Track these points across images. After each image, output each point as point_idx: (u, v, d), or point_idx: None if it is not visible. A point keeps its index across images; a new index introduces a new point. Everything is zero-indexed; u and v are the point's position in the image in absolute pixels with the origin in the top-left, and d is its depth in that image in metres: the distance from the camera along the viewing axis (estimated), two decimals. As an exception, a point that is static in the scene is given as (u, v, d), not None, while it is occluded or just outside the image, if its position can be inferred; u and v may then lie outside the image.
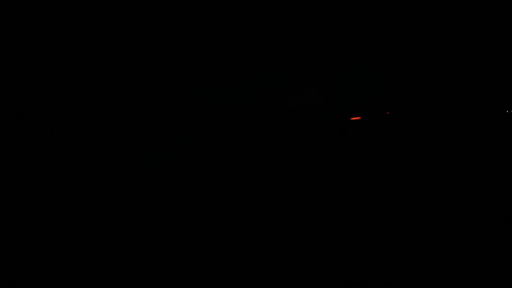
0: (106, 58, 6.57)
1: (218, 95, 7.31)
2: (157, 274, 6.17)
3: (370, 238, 7.24)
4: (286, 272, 5.79)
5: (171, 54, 6.73)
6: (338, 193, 10.25)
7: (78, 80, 6.63)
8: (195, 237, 6.57)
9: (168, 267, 6.04)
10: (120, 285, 5.60)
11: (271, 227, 7.72)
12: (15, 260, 5.52)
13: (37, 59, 6.40)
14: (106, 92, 7.03)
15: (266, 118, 8.52)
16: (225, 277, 5.87)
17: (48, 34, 6.23)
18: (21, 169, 8.34)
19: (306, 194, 9.89)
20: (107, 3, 5.89)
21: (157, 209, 7.33)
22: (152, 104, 7.50)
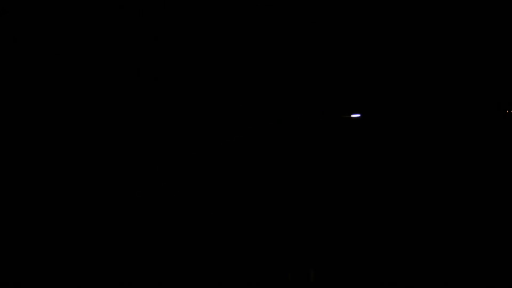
0: (106, 59, 6.55)
1: (218, 95, 7.27)
2: (157, 273, 6.08)
3: (369, 238, 7.24)
4: (286, 272, 5.75)
5: (171, 55, 6.72)
6: (338, 192, 10.13)
7: (78, 80, 6.61)
8: (195, 236, 6.53)
9: (168, 266, 5.99)
10: (119, 285, 5.54)
11: (272, 227, 7.69)
12: (15, 260, 5.49)
13: (37, 59, 6.38)
14: (106, 92, 7.01)
15: (266, 118, 8.47)
16: (224, 277, 5.81)
17: (49, 35, 6.22)
18: (21, 169, 8.32)
19: (306, 194, 9.78)
20: (107, 4, 5.88)
21: (157, 209, 7.30)
22: (152, 104, 7.46)
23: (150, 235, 6.54)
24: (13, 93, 6.18)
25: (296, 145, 9.33)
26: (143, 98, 6.77)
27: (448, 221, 7.60)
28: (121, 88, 6.53)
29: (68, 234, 6.55)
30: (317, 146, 9.52)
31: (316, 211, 8.42)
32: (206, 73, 6.54)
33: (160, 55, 6.50)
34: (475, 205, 9.24)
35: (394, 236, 6.80)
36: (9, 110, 6.35)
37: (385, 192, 10.01)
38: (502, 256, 5.78)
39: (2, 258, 5.52)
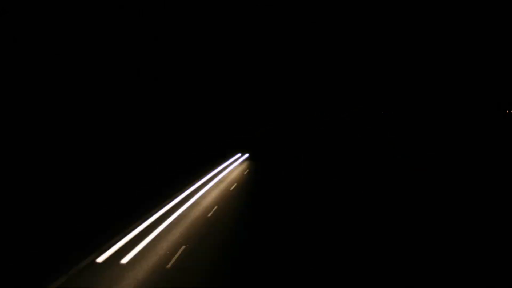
0: (106, 59, 6.58)
1: (218, 95, 7.32)
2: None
3: (369, 238, 7.19)
4: (286, 272, 5.73)
5: (171, 55, 6.76)
6: (337, 192, 10.08)
7: (78, 80, 6.64)
8: (196, 237, 6.49)
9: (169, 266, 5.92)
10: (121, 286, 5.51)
11: (272, 226, 7.64)
12: (15, 260, 5.46)
13: (37, 59, 6.39)
14: (106, 92, 7.04)
15: (265, 117, 8.49)
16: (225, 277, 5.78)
17: (49, 35, 6.23)
18: (21, 169, 8.22)
19: (305, 193, 9.72)
20: (107, 4, 5.90)
21: (158, 209, 7.26)
22: (152, 104, 7.51)
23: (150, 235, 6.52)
24: (13, 93, 6.19)
25: (296, 144, 9.24)
26: (143, 98, 6.81)
27: (448, 221, 7.60)
28: (121, 88, 6.57)
29: (68, 234, 6.53)
30: (316, 146, 9.49)
31: (315, 211, 8.40)
32: (206, 73, 6.58)
33: (160, 55, 6.54)
34: (475, 204, 9.21)
35: (394, 236, 6.76)
36: (9, 109, 6.35)
37: (384, 192, 9.90)
38: (502, 256, 5.73)
39: (2, 258, 5.48)
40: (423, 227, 8.80)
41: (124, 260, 6.47)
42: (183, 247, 7.11)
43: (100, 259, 6.50)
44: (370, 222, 9.17)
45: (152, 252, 6.77)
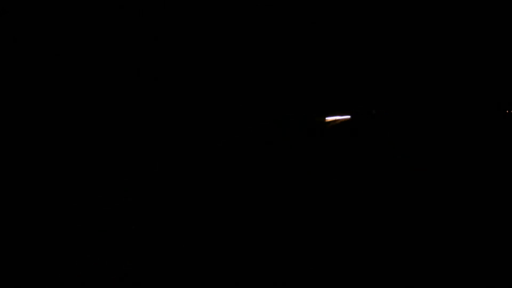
0: (106, 59, 6.54)
1: (218, 95, 7.26)
2: (157, 274, 6.01)
3: (367, 238, 7.15)
4: (285, 272, 5.73)
5: (171, 55, 6.71)
6: (334, 192, 10.02)
7: (78, 80, 6.60)
8: (195, 237, 6.50)
9: (168, 267, 5.95)
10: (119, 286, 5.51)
11: (270, 227, 7.62)
12: (15, 260, 5.47)
13: (37, 59, 6.37)
14: (106, 92, 7.00)
15: (264, 119, 8.42)
16: (225, 277, 5.79)
17: (49, 35, 6.22)
18: (21, 169, 8.24)
19: (303, 194, 9.69)
20: (107, 4, 5.87)
21: (157, 209, 7.27)
22: (152, 104, 7.46)
23: (150, 236, 6.48)
24: (13, 93, 6.18)
25: (294, 144, 9.25)
26: (143, 98, 6.77)
27: (447, 222, 7.54)
28: (121, 88, 6.54)
29: (68, 234, 6.51)
30: (315, 145, 9.48)
31: (313, 211, 8.30)
32: (206, 73, 6.54)
33: (160, 55, 6.51)
34: (474, 205, 9.17)
35: (392, 237, 6.77)
36: (9, 110, 6.34)
37: (382, 192, 9.86)
38: (502, 256, 5.72)
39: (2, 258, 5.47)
40: (423, 227, 8.84)
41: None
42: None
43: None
44: (370, 223, 9.18)
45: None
